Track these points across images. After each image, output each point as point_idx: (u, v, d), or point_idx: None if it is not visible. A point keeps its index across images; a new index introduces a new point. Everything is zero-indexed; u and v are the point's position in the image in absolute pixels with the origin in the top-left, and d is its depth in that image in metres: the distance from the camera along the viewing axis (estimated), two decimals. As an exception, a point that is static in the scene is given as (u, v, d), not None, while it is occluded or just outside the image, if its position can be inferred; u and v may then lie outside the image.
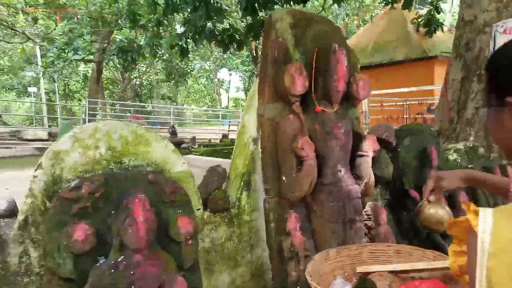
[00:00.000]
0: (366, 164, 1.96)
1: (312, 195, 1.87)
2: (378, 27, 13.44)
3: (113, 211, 1.39)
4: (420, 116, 8.54)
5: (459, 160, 2.78)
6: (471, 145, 2.84)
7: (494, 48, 3.08)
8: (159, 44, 9.42)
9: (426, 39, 11.21)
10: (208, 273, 1.86)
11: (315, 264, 1.36)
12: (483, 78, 3.14)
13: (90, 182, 1.37)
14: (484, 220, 0.59)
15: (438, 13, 8.76)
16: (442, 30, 8.76)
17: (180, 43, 7.59)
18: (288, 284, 1.74)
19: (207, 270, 1.86)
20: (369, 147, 1.97)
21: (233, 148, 2.19)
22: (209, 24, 6.72)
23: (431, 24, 9.13)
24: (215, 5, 6.29)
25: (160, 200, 1.51)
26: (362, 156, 1.97)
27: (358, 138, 2.01)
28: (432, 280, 1.18)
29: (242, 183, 1.98)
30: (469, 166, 2.74)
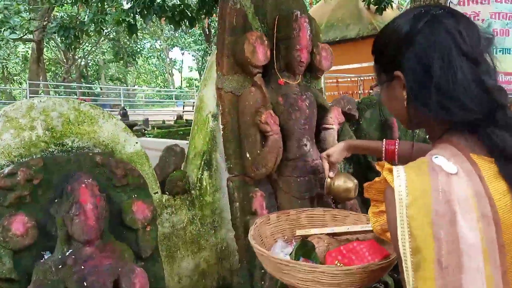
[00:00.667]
0: (331, 138, 1.89)
1: (278, 171, 1.78)
2: (330, 5, 13.46)
3: (56, 199, 1.22)
4: (372, 90, 8.74)
5: (417, 131, 2.80)
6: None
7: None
8: (104, 21, 8.85)
9: (377, 16, 11.42)
10: (170, 260, 1.74)
11: (256, 228, 1.34)
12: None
13: (26, 168, 1.19)
14: (398, 175, 0.64)
15: (388, -10, 8.94)
16: (392, 7, 8.98)
17: (127, 19, 7.16)
18: (256, 265, 1.66)
19: (168, 257, 1.73)
20: (334, 119, 1.90)
21: (189, 129, 2.05)
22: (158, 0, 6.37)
23: (381, 2, 9.36)
24: (165, -21, 5.96)
25: (111, 184, 1.36)
26: (327, 129, 1.90)
27: (322, 111, 1.94)
28: (368, 241, 1.19)
29: (202, 162, 1.85)
30: (427, 136, 2.77)
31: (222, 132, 1.82)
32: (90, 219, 1.15)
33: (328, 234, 1.36)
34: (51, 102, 1.32)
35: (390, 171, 0.66)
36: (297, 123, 1.79)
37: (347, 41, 12.25)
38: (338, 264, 1.13)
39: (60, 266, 1.18)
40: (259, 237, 1.34)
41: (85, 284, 1.15)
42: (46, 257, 1.23)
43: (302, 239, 1.35)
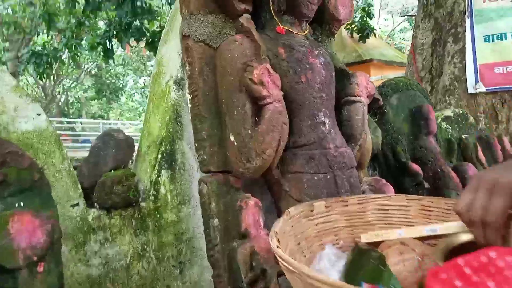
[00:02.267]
0: (359, 117, 1.23)
1: (281, 164, 1.10)
2: None
3: None
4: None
5: (450, 130, 2.18)
6: (461, 112, 2.26)
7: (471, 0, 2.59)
8: (78, 45, 8.30)
9: (360, 44, 11.47)
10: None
11: (288, 223, 0.77)
12: (460, 37, 2.61)
13: None
14: None
15: (370, 19, 9.09)
16: (375, 35, 9.12)
17: (102, 43, 6.63)
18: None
19: (94, 319, 1.00)
20: (361, 88, 1.24)
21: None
22: (136, 23, 5.91)
23: (363, 30, 9.60)
24: (143, 5, 5.57)
25: None
26: (352, 102, 1.24)
27: (343, 78, 1.29)
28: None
29: (159, 156, 1.15)
30: (463, 136, 2.14)
31: (190, 106, 1.14)
32: None
33: (418, 239, 0.74)
34: None
35: None
36: (310, 88, 1.13)
37: (333, 69, 12.01)
38: None
39: None
40: (293, 238, 0.77)
41: None
42: None
43: (358, 245, 0.76)
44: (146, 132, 1.22)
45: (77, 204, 1.03)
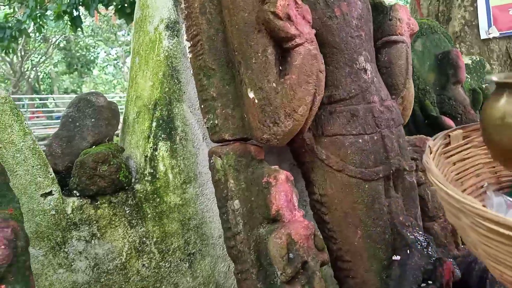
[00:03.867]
0: (402, 60, 0.98)
1: (316, 126, 0.85)
2: None
3: None
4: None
5: (469, 79, 1.97)
6: (478, 59, 2.04)
7: None
8: (43, 16, 7.67)
9: None
10: None
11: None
12: (472, -23, 2.35)
13: None
14: None
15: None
16: None
17: (69, 12, 6.08)
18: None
19: None
20: (403, 25, 0.99)
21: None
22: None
23: None
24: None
25: None
26: (393, 43, 0.98)
27: (378, 11, 1.03)
28: None
29: (154, 124, 0.89)
30: (483, 85, 1.94)
31: (190, 56, 0.87)
32: None
33: None
34: None
35: None
36: (346, 25, 0.87)
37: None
38: None
39: None
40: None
41: None
42: None
43: None
44: (134, 95, 0.95)
45: (50, 193, 0.77)
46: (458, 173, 0.62)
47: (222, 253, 0.97)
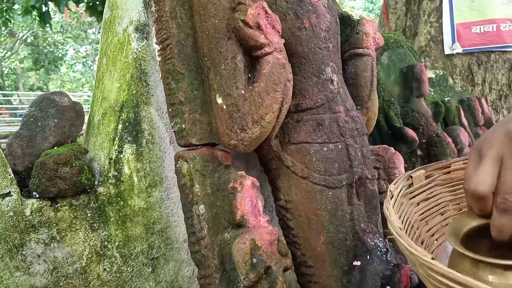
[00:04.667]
0: (368, 73, 1.02)
1: (282, 133, 0.87)
2: None
3: None
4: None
5: (432, 92, 2.05)
6: (441, 74, 2.14)
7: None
8: (10, 9, 7.38)
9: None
10: None
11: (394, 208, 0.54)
12: (437, -6, 2.47)
13: None
14: None
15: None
16: None
17: (37, 7, 5.88)
18: None
19: None
20: (369, 39, 1.03)
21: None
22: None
23: None
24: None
25: None
26: (359, 56, 1.02)
27: (346, 24, 1.06)
28: None
29: (120, 126, 0.87)
30: (446, 99, 2.03)
31: (160, 59, 0.87)
32: None
33: None
34: None
35: None
36: (314, 36, 0.89)
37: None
38: None
39: None
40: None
41: None
42: None
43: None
44: (100, 96, 0.93)
45: (8, 194, 0.74)
46: (422, 213, 0.63)
47: (186, 257, 0.96)
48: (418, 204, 0.63)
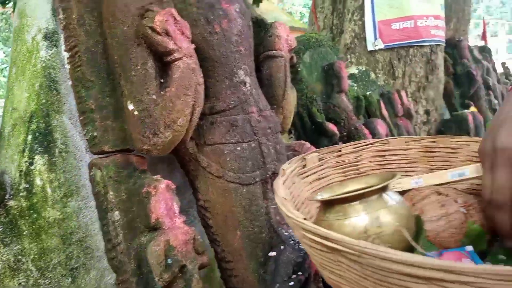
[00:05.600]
0: (281, 73, 1.07)
1: (196, 136, 0.90)
2: None
3: None
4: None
5: (355, 88, 2.18)
6: (364, 69, 2.28)
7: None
8: None
9: (254, 8, 11.40)
10: None
11: (285, 185, 0.59)
12: (359, -6, 2.61)
13: None
14: None
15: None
16: None
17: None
18: None
19: None
20: (282, 41, 1.08)
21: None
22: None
23: None
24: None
25: None
26: (273, 58, 1.07)
27: (260, 28, 1.11)
28: None
29: (30, 137, 0.86)
30: (367, 93, 2.17)
31: (69, 67, 0.86)
32: None
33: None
34: None
35: None
36: (226, 40, 0.93)
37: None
38: None
39: None
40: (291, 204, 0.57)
41: None
42: None
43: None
44: (10, 107, 0.90)
45: None
46: (314, 191, 0.69)
47: (107, 267, 0.96)
48: (310, 183, 0.69)
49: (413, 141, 0.80)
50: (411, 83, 2.65)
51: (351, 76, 2.20)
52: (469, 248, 0.52)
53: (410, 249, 0.48)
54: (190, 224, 0.88)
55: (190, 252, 0.78)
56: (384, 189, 0.52)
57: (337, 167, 0.75)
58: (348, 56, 2.68)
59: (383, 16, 2.59)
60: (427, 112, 2.72)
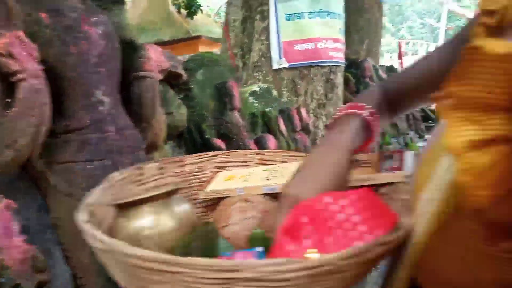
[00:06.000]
0: (150, 93, 1.12)
1: (47, 155, 0.91)
2: (138, 8, 12.73)
3: None
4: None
5: (257, 104, 2.30)
6: (266, 87, 2.41)
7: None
8: None
9: (189, 20, 11.42)
10: None
11: (107, 192, 0.66)
12: (266, 15, 2.77)
13: None
14: None
15: (198, -5, 9.00)
16: (202, 12, 9.03)
17: None
18: None
19: None
20: (151, 62, 1.13)
21: None
22: None
23: (191, 7, 9.43)
24: None
25: None
26: (142, 78, 1.12)
27: (132, 51, 1.15)
28: (358, 191, 0.54)
29: None
30: (266, 109, 2.30)
31: None
32: None
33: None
34: None
35: None
36: (83, 62, 0.96)
37: (162, 44, 11.67)
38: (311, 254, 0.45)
39: None
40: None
41: None
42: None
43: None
44: None
45: None
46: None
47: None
48: (147, 190, 0.74)
49: (251, 154, 0.89)
50: (313, 100, 2.84)
51: (253, 93, 2.31)
52: (260, 249, 0.60)
53: (187, 248, 0.56)
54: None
55: (26, 270, 0.79)
56: (170, 195, 0.60)
57: (179, 176, 0.81)
58: (256, 74, 2.81)
59: (287, 37, 2.76)
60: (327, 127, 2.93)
